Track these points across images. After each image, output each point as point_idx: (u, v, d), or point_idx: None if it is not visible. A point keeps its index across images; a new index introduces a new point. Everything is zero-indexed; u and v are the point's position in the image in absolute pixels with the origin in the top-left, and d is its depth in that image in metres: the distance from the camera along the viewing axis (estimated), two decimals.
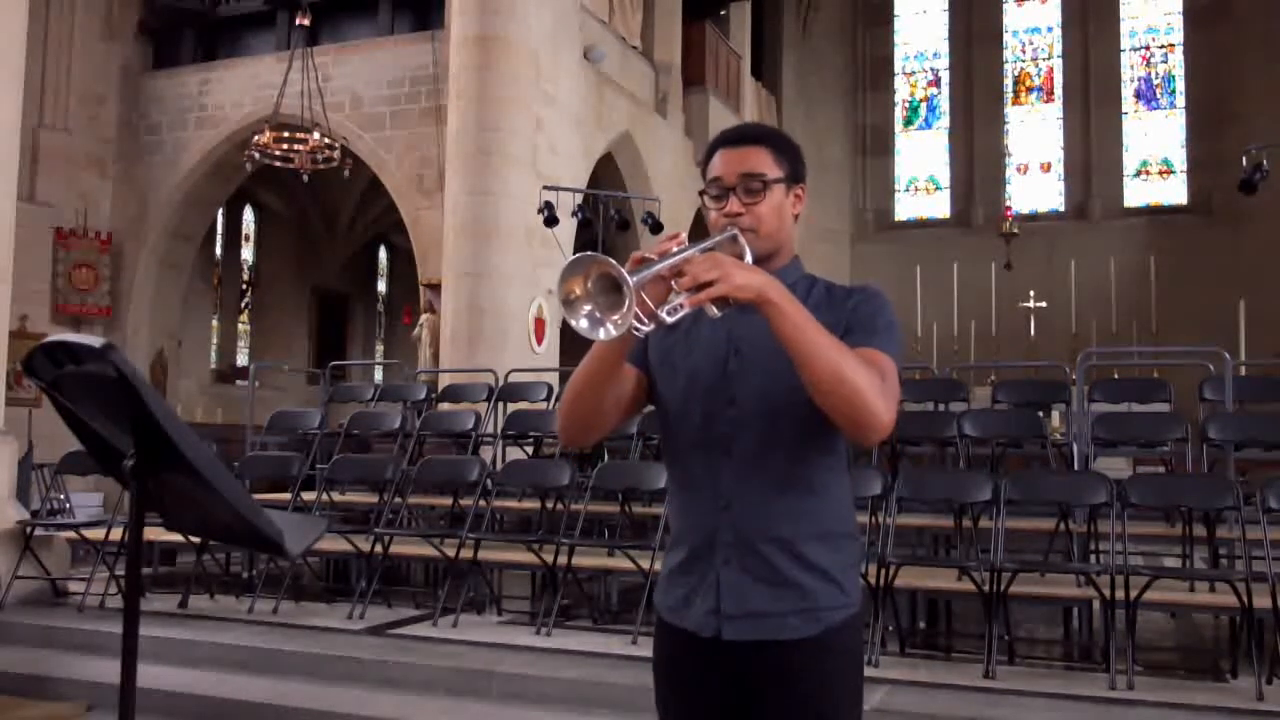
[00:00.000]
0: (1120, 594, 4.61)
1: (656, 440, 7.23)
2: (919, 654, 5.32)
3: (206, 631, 5.76)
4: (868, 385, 1.66)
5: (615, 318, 1.52)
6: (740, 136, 1.92)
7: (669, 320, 1.59)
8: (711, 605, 1.82)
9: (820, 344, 1.65)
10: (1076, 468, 6.46)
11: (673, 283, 1.60)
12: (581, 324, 1.54)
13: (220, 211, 16.42)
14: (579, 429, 1.88)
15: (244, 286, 18.60)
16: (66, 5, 13.83)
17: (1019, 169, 21.19)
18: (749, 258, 1.80)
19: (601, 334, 1.54)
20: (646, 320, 1.57)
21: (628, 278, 1.49)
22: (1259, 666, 4.44)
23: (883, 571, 4.89)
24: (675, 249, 1.64)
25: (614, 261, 1.51)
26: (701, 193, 1.93)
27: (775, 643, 1.79)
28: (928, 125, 22.11)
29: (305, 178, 12.07)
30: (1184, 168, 20.02)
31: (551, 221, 10.46)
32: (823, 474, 1.84)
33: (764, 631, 1.79)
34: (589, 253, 1.55)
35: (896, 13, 22.32)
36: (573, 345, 14.09)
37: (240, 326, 18.59)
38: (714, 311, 1.62)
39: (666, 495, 1.97)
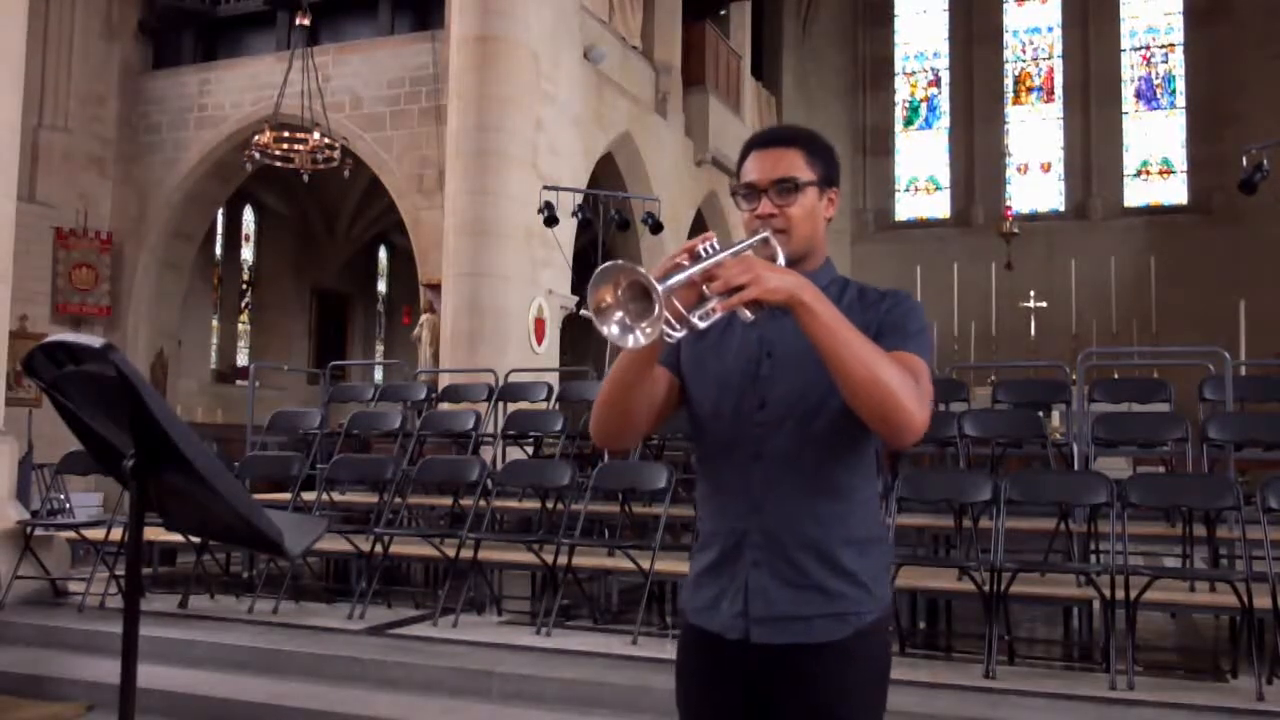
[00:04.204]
0: (1120, 594, 4.61)
1: (656, 440, 7.24)
2: (919, 654, 5.32)
3: (206, 631, 5.76)
4: (900, 386, 1.65)
5: (644, 325, 1.50)
6: (774, 138, 1.91)
7: (701, 325, 1.59)
8: (740, 608, 1.82)
9: (853, 345, 1.64)
10: (1076, 468, 6.46)
11: (704, 287, 1.59)
12: (612, 331, 1.53)
13: (220, 211, 16.43)
14: (613, 433, 1.88)
15: (244, 286, 18.60)
16: (66, 5, 13.83)
17: (1019, 169, 21.20)
18: (781, 260, 1.79)
19: (631, 341, 1.52)
20: (678, 325, 1.56)
21: (656, 285, 1.48)
22: (1259, 666, 4.43)
23: None
24: (705, 250, 1.63)
25: (643, 269, 1.50)
26: (734, 193, 1.93)
27: (802, 646, 1.79)
28: (928, 125, 22.11)
29: (305, 178, 12.07)
30: (1184, 168, 20.03)
31: (551, 221, 10.46)
32: (853, 478, 1.84)
33: (792, 635, 1.79)
34: (618, 261, 1.54)
35: (896, 13, 22.32)
36: (573, 345, 14.11)
37: (240, 326, 18.59)
38: (747, 315, 1.60)
39: (697, 497, 1.98)
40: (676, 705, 1.95)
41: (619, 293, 1.52)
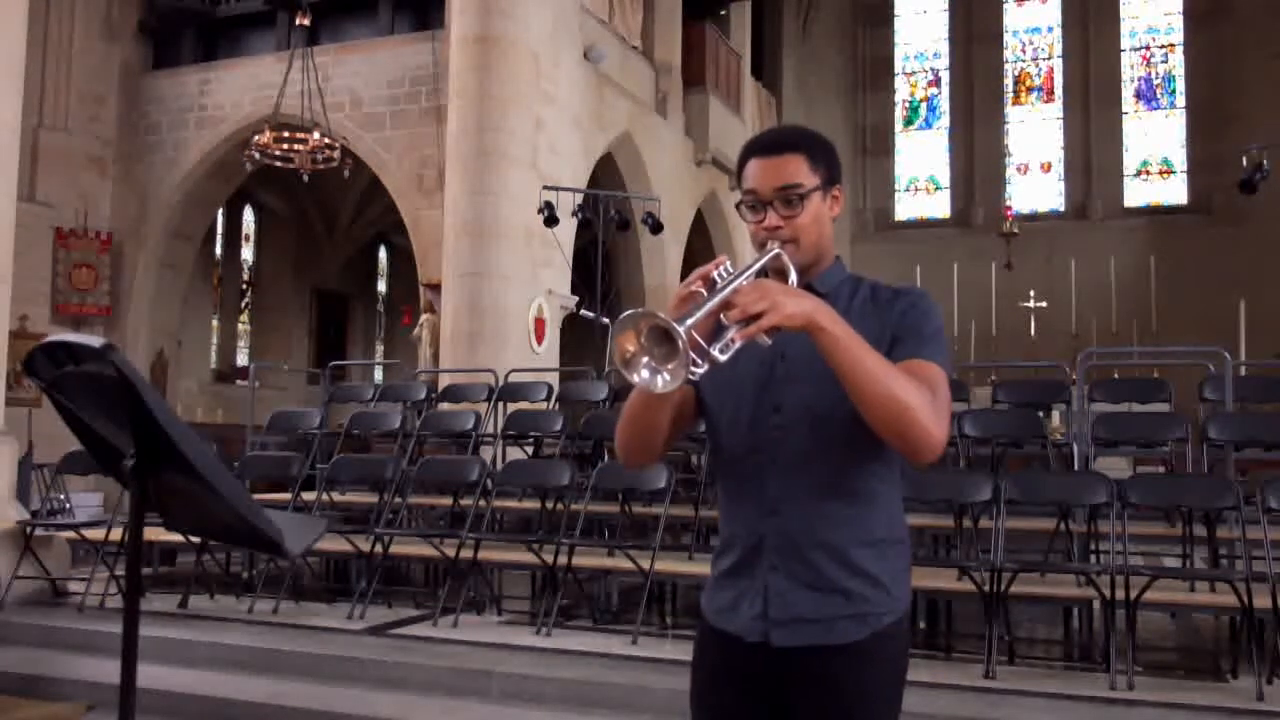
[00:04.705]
0: (1120, 594, 4.61)
1: None
2: (919, 654, 5.30)
3: (206, 631, 5.76)
4: (919, 406, 1.65)
5: (670, 366, 1.53)
6: (774, 144, 1.88)
7: (722, 359, 1.59)
8: (759, 611, 1.81)
9: (870, 367, 1.64)
10: (1076, 468, 6.46)
11: (722, 316, 1.59)
12: (642, 376, 1.55)
13: (220, 211, 16.42)
14: (638, 451, 1.89)
15: (244, 286, 18.60)
16: (66, 5, 13.82)
17: (1019, 169, 21.21)
18: (793, 276, 1.79)
19: (660, 383, 1.54)
20: (700, 360, 1.57)
21: (678, 327, 1.49)
22: (1259, 666, 4.43)
23: None
24: (718, 275, 1.64)
25: (662, 314, 1.52)
26: (738, 204, 1.92)
27: (821, 648, 1.78)
28: (928, 125, 22.12)
29: (305, 178, 12.07)
30: (1184, 168, 20.04)
31: (551, 221, 10.46)
32: (871, 480, 1.83)
33: (812, 636, 1.79)
34: (636, 309, 1.55)
35: (896, 13, 22.34)
36: (573, 345, 14.10)
37: (240, 326, 18.59)
38: (765, 341, 1.61)
39: (717, 500, 2.00)
40: (690, 706, 1.95)
41: (641, 340, 1.54)
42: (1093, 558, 5.68)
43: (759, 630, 1.81)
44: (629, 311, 1.55)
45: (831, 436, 1.78)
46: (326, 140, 11.69)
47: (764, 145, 1.89)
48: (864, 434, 1.72)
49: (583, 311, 11.84)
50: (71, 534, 6.83)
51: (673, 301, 1.66)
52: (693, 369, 1.54)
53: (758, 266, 1.76)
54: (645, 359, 1.55)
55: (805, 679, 1.80)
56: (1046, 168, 21.05)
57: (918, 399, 1.65)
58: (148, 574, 7.25)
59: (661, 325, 1.51)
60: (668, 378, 1.54)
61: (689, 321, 1.53)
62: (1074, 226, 19.91)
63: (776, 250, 1.81)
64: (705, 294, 1.62)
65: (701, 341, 1.57)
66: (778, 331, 1.61)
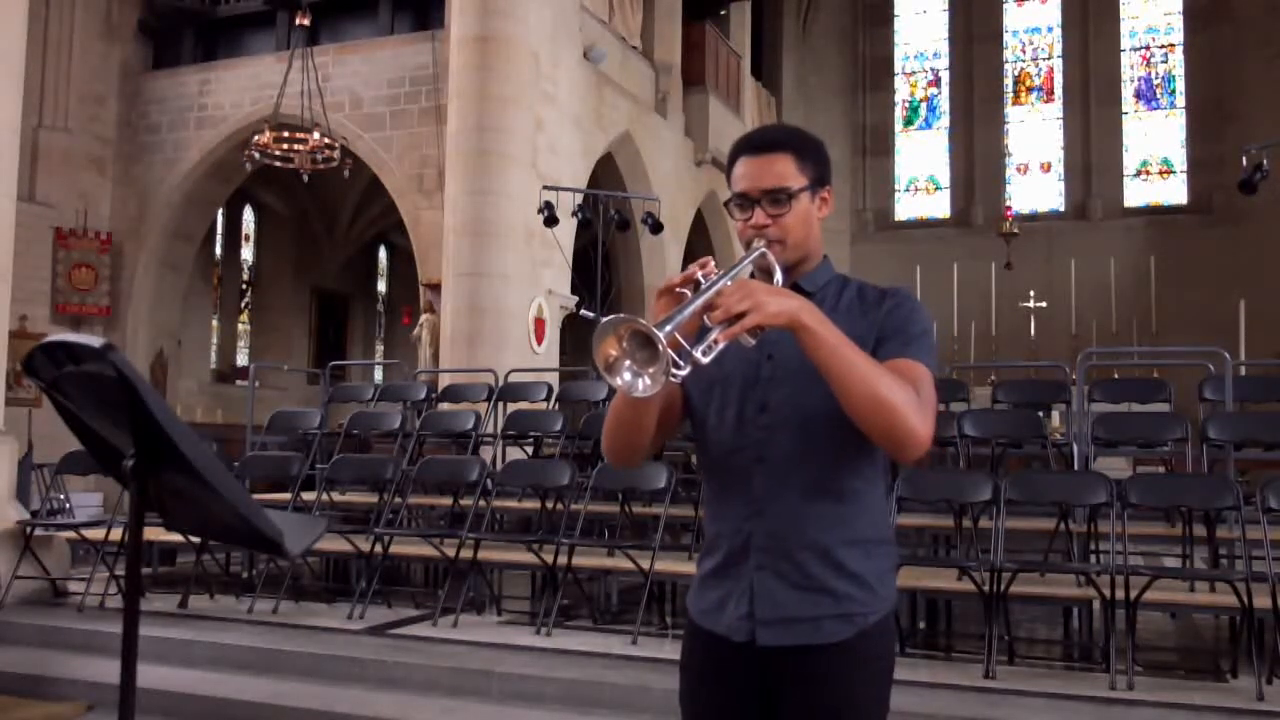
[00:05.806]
0: (1120, 594, 4.61)
1: None
2: (919, 654, 5.32)
3: (206, 631, 5.76)
4: (905, 404, 1.65)
5: (651, 370, 1.53)
6: (763, 143, 1.89)
7: (705, 360, 1.58)
8: (745, 611, 1.81)
9: (856, 366, 1.64)
10: (1076, 468, 6.45)
11: (705, 317, 1.59)
12: (624, 379, 1.55)
13: (220, 211, 16.42)
14: (624, 452, 1.89)
15: (244, 286, 18.60)
16: (66, 5, 13.83)
17: (1019, 169, 21.20)
18: (779, 275, 1.79)
19: (641, 387, 1.55)
20: (683, 362, 1.57)
21: (658, 332, 1.50)
22: (1259, 666, 4.43)
23: None
24: (702, 275, 1.64)
25: (643, 320, 1.52)
26: (727, 203, 1.92)
27: (807, 647, 1.79)
28: (928, 125, 22.11)
29: (305, 178, 12.07)
30: (1184, 168, 20.03)
31: (551, 221, 10.47)
32: (857, 480, 1.83)
33: (798, 636, 1.79)
34: (616, 315, 1.55)
35: (896, 13, 22.33)
36: (573, 345, 14.11)
37: (240, 326, 18.58)
38: (749, 341, 1.61)
39: (703, 500, 2.00)
40: (680, 704, 1.95)
41: (623, 344, 1.54)
42: (1093, 558, 5.68)
43: (745, 630, 1.81)
44: (610, 317, 1.55)
45: (818, 436, 1.78)
46: (326, 140, 11.69)
47: (753, 144, 1.90)
48: (850, 434, 1.72)
49: (583, 311, 11.84)
50: (71, 534, 6.83)
51: (656, 299, 1.67)
52: (674, 371, 1.54)
53: (743, 265, 1.76)
54: (627, 363, 1.55)
55: (792, 678, 1.80)
56: (1046, 168, 21.05)
57: (902, 397, 1.66)
58: (148, 574, 7.25)
59: (643, 331, 1.52)
60: (649, 381, 1.53)
61: (668, 327, 1.53)
62: (1074, 226, 19.90)
63: (762, 249, 1.82)
64: (689, 294, 1.62)
65: (684, 343, 1.56)
66: (761, 332, 1.61)
